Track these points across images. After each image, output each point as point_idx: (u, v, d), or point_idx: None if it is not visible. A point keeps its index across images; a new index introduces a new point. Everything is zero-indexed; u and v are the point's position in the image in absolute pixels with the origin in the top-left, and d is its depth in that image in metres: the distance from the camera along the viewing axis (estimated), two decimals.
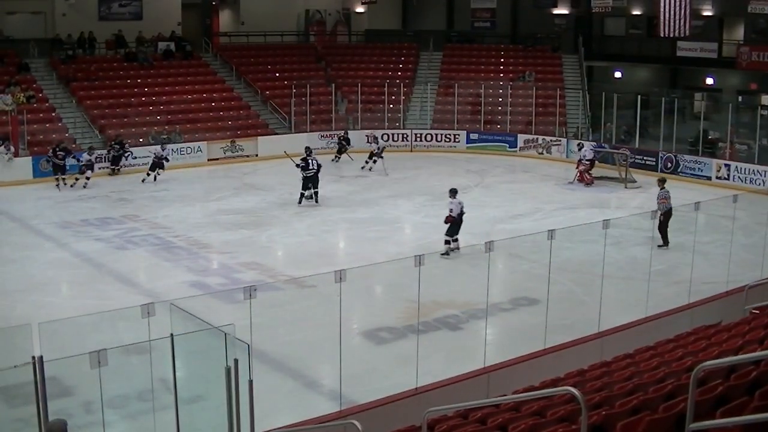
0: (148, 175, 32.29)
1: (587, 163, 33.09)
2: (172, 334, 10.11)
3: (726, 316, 15.24)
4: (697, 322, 14.91)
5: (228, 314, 12.32)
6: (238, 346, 10.08)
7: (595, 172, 33.40)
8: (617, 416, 8.12)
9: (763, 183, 30.27)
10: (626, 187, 32.57)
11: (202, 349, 11.06)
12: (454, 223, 22.70)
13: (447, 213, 22.92)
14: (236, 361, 9.99)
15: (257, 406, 10.61)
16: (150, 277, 21.62)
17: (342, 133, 37.96)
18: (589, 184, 32.76)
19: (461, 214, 23.01)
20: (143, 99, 38.56)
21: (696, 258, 18.79)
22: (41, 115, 35.83)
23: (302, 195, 28.34)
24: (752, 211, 23.88)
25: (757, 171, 32.50)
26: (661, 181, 24.08)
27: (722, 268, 18.71)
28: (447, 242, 22.57)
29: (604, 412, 8.35)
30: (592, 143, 35.81)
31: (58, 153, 31.53)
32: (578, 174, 33.13)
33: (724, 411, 7.09)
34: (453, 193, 23.20)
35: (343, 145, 37.01)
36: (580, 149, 34.16)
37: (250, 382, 10.38)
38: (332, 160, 36.16)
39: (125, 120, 37.03)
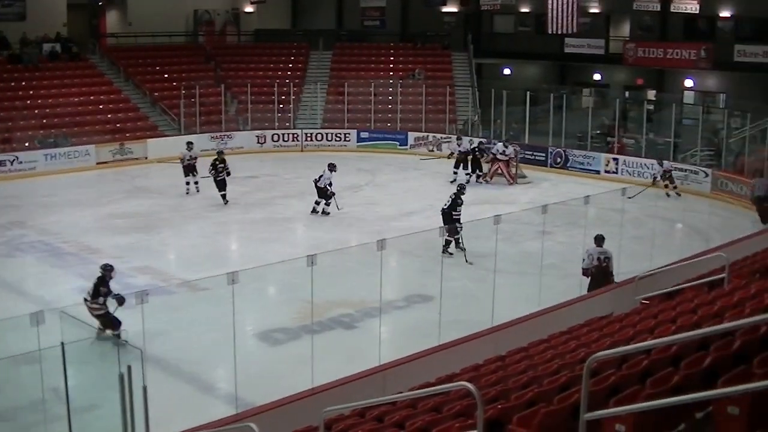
0: None
1: (505, 158, 33.18)
2: (62, 343, 10.01)
3: (617, 307, 15.52)
4: (590, 314, 15.15)
5: (120, 320, 12.24)
6: (131, 352, 10.04)
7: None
8: (513, 409, 8.21)
9: (651, 176, 30.92)
10: (517, 183, 32.93)
11: (94, 356, 10.98)
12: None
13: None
14: (129, 367, 9.92)
15: (152, 412, 10.53)
16: (39, 285, 21.17)
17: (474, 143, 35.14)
18: (489, 177, 33.09)
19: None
20: (28, 102, 37.76)
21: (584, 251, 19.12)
22: None
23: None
24: (641, 204, 24.47)
25: (645, 164, 33.23)
26: None
27: (612, 260, 19.09)
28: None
29: (500, 406, 8.43)
30: (482, 139, 36.23)
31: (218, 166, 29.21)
32: (495, 170, 33.37)
33: (617, 400, 7.23)
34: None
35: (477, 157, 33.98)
36: (493, 146, 34.05)
37: (144, 388, 10.31)
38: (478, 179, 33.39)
39: (10, 124, 36.10)
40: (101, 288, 16.28)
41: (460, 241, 22.53)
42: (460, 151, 33.63)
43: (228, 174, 28.83)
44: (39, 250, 23.88)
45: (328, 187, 27.28)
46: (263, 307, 19.24)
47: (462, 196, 23.35)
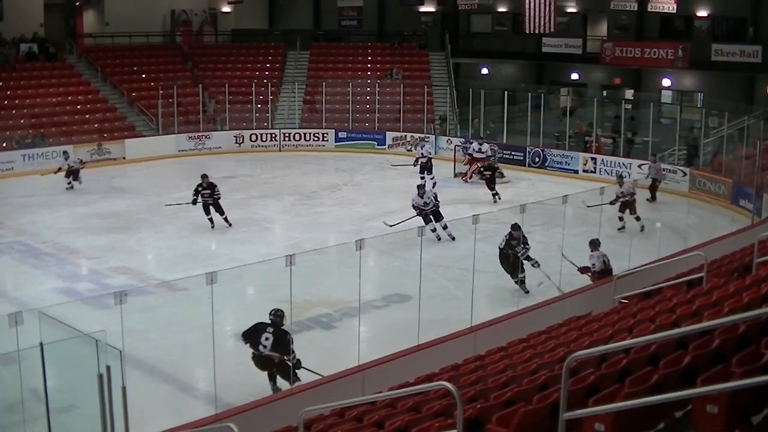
0: None
1: (483, 156, 32.59)
2: (41, 343, 9.97)
3: (596, 306, 15.57)
4: (568, 314, 15.20)
5: (99, 320, 12.18)
6: (110, 353, 9.98)
7: (459, 168, 33.87)
8: (492, 409, 8.22)
9: (629, 176, 31.00)
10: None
11: (73, 357, 10.91)
12: None
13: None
14: (108, 368, 9.88)
15: (132, 413, 10.51)
16: (17, 285, 21.12)
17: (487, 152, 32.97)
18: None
19: None
20: (5, 102, 37.55)
21: (565, 250, 19.17)
22: None
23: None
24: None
25: (622, 164, 33.34)
26: None
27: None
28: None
29: (479, 405, 8.45)
30: (460, 139, 36.29)
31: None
32: (474, 170, 33.13)
33: (596, 399, 7.25)
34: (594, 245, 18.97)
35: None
36: (470, 146, 33.88)
37: (123, 388, 10.28)
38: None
39: None
40: (287, 336, 14.44)
41: (543, 273, 19.73)
42: (422, 154, 32.08)
43: (218, 197, 26.05)
44: (16, 250, 23.78)
45: (423, 207, 24.65)
46: (242, 307, 19.18)
47: (515, 233, 19.64)
